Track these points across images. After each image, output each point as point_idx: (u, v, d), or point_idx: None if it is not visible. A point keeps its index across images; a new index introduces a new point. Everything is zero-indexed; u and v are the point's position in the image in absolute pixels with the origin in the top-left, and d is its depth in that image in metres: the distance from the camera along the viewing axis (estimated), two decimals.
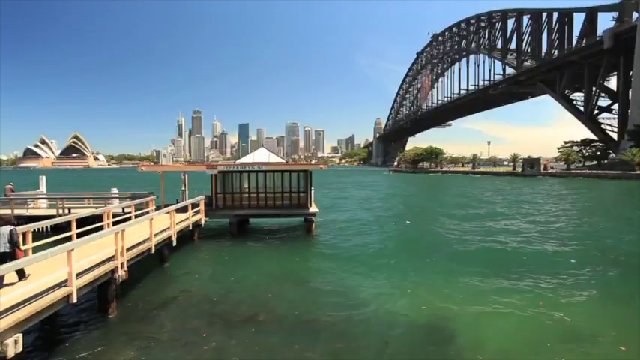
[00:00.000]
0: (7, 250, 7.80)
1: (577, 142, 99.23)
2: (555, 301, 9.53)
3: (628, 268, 13.17)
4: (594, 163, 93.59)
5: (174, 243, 13.96)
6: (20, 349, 6.06)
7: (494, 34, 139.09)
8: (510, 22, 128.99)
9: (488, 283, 11.21)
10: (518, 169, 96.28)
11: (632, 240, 18.01)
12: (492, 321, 8.57)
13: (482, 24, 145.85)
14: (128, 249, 10.43)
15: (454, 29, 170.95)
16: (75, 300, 7.55)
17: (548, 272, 12.16)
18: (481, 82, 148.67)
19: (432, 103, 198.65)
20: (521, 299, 9.77)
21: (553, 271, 12.25)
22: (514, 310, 9.07)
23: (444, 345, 7.55)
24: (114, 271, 9.32)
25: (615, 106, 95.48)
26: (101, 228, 12.26)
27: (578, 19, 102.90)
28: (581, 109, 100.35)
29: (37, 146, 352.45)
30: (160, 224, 13.99)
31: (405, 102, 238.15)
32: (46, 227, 15.58)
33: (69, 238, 9.93)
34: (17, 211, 19.29)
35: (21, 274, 7.76)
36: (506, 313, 8.88)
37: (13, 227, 8.23)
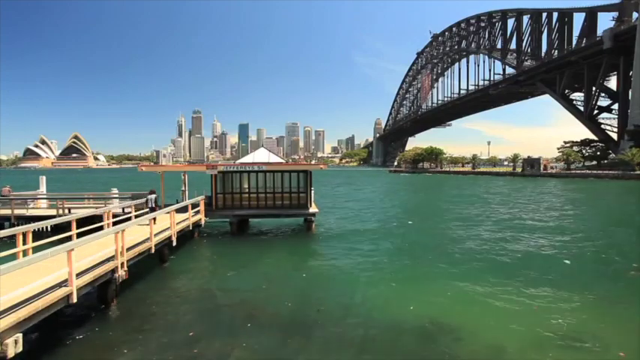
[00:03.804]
0: (153, 206, 16.29)
1: (577, 142, 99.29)
2: (552, 306, 9.45)
3: (627, 272, 13.15)
4: (594, 163, 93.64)
5: (175, 243, 13.96)
6: (20, 349, 6.06)
7: (494, 34, 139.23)
8: (510, 22, 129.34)
9: (484, 285, 11.16)
10: (519, 169, 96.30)
11: (632, 241, 18.02)
12: (487, 325, 8.50)
13: (483, 24, 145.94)
14: (128, 249, 10.43)
15: (454, 29, 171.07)
16: (75, 300, 7.55)
17: (546, 275, 12.11)
18: (481, 82, 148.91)
19: (432, 103, 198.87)
20: (516, 303, 9.73)
21: (550, 274, 12.20)
22: (509, 314, 9.01)
23: (438, 345, 7.55)
24: (114, 271, 9.32)
25: (615, 106, 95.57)
26: (101, 228, 12.26)
27: (578, 19, 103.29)
28: (581, 109, 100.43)
29: (37, 146, 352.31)
30: (160, 224, 13.99)
31: (405, 102, 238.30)
32: (46, 227, 15.59)
33: (69, 238, 9.92)
34: (17, 211, 19.29)
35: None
36: (502, 318, 8.83)
37: (155, 195, 17.07)
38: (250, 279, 12.04)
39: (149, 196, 16.91)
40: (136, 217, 15.06)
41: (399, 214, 27.81)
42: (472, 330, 8.12)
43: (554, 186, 58.32)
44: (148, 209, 16.46)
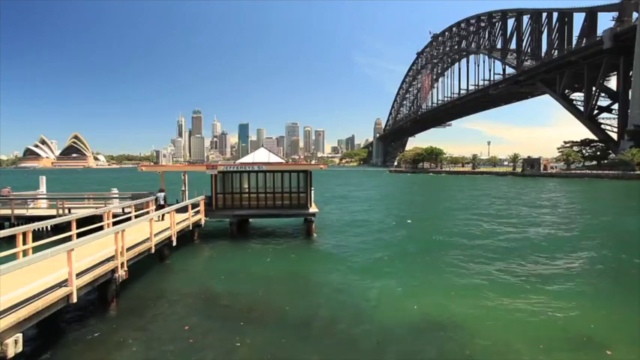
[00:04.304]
0: (162, 204, 17.33)
1: (577, 142, 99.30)
2: (549, 303, 9.55)
3: (624, 271, 13.16)
4: (594, 163, 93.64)
5: (174, 243, 13.96)
6: (20, 349, 6.06)
7: (494, 34, 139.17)
8: (510, 22, 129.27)
9: (483, 282, 11.23)
10: (519, 169, 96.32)
11: (633, 241, 18.02)
12: (485, 321, 8.59)
13: (483, 24, 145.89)
14: (128, 249, 10.43)
15: (454, 29, 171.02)
16: (75, 300, 7.56)
17: (545, 273, 12.18)
18: (481, 82, 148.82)
19: (432, 103, 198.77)
20: (515, 299, 9.81)
21: (549, 272, 12.27)
22: (507, 310, 9.12)
23: (438, 344, 7.59)
24: (114, 271, 9.32)
25: (615, 106, 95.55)
26: (101, 228, 12.26)
27: (578, 19, 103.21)
28: (581, 109, 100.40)
29: (37, 146, 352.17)
30: (160, 224, 13.99)
31: (405, 102, 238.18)
32: (46, 227, 15.61)
33: (69, 238, 9.93)
34: (17, 211, 19.30)
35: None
36: (500, 314, 8.92)
37: (164, 193, 17.95)
38: (250, 279, 12.04)
39: (158, 194, 17.73)
40: (137, 217, 15.08)
41: (398, 214, 27.80)
42: (473, 329, 8.14)
43: (554, 186, 58.33)
44: (156, 207, 17.33)
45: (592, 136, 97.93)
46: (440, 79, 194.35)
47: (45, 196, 23.31)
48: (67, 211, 19.06)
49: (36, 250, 8.48)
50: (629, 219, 25.55)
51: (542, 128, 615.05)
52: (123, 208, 18.23)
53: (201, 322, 8.63)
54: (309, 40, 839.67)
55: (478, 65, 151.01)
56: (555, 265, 13.22)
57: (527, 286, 10.90)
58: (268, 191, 19.78)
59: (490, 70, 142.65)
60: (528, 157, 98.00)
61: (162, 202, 17.55)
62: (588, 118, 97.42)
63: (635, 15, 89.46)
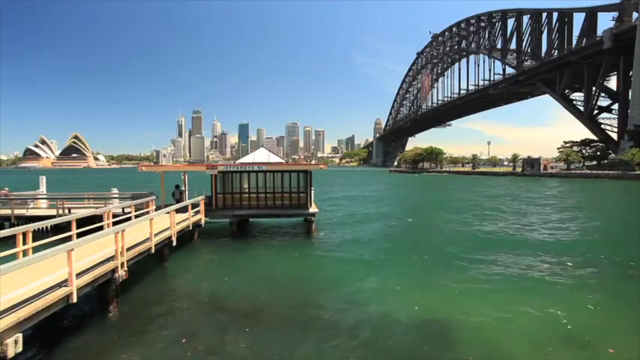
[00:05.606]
0: (178, 198, 19.01)
1: (577, 142, 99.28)
2: (550, 302, 9.54)
3: (626, 271, 13.15)
4: (594, 163, 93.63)
5: (174, 243, 13.95)
6: (20, 349, 6.05)
7: (494, 34, 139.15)
8: (510, 22, 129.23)
9: (484, 282, 11.24)
10: (519, 169, 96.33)
11: (632, 241, 18.02)
12: (486, 320, 8.58)
13: (483, 24, 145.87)
14: (128, 249, 10.41)
15: (454, 29, 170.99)
16: (75, 300, 7.55)
17: (545, 273, 12.17)
18: (481, 82, 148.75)
19: (432, 103, 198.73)
20: (516, 299, 9.81)
21: (550, 272, 12.25)
22: (508, 310, 9.11)
23: (438, 345, 7.57)
24: (114, 271, 9.31)
25: (615, 106, 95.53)
26: (101, 228, 12.25)
27: (578, 19, 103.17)
28: (581, 109, 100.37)
29: (37, 146, 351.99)
30: (160, 224, 13.98)
31: (405, 102, 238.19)
32: (46, 227, 15.59)
33: (69, 238, 9.91)
34: (17, 211, 19.29)
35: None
36: (500, 313, 8.91)
37: (180, 189, 19.93)
38: (250, 279, 12.04)
39: (175, 190, 19.87)
40: (136, 217, 15.06)
41: (399, 213, 27.80)
42: (474, 328, 8.14)
43: (554, 186, 58.30)
44: (175, 201, 19.02)
45: (592, 136, 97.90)
46: (440, 79, 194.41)
47: (45, 196, 23.30)
48: (67, 211, 19.05)
49: (36, 250, 8.46)
50: (632, 219, 25.54)
51: (542, 128, 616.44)
52: (123, 208, 18.22)
53: (202, 323, 8.63)
54: (309, 40, 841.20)
55: (478, 65, 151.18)
56: (556, 264, 13.19)
57: (527, 286, 10.89)
58: (268, 191, 19.79)
59: (490, 70, 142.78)
60: (528, 157, 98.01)
61: (178, 197, 19.09)
62: (588, 118, 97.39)
63: (635, 15, 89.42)
